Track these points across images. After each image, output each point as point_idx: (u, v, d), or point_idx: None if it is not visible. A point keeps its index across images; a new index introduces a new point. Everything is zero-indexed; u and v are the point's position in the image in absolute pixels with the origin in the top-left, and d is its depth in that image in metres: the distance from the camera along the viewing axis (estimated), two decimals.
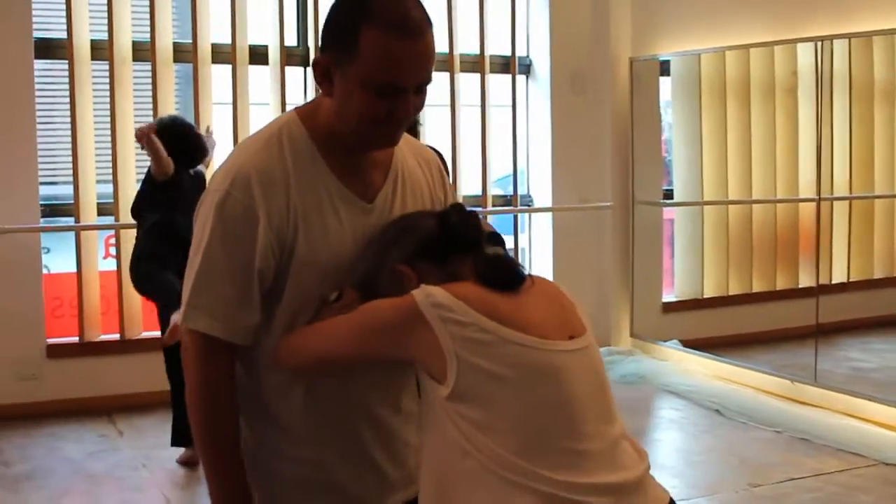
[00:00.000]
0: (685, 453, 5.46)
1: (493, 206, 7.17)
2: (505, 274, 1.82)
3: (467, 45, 6.99)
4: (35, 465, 5.14)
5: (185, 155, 5.12)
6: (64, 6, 5.95)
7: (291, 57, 6.50)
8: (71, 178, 6.06)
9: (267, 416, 1.95)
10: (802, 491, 4.68)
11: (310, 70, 1.86)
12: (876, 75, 6.27)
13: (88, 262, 6.14)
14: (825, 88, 6.10)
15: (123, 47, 6.11)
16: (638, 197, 7.27)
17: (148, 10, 6.12)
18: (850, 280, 6.52)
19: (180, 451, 5.11)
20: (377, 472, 1.98)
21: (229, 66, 6.33)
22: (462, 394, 1.71)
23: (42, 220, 6.07)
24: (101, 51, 6.08)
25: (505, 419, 1.71)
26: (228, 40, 6.32)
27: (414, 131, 3.54)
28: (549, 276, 7.04)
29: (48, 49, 6.14)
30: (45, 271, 6.40)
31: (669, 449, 5.60)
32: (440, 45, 6.87)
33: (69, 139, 6.05)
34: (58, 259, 6.41)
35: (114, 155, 6.07)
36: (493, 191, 7.34)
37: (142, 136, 4.93)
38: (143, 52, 6.18)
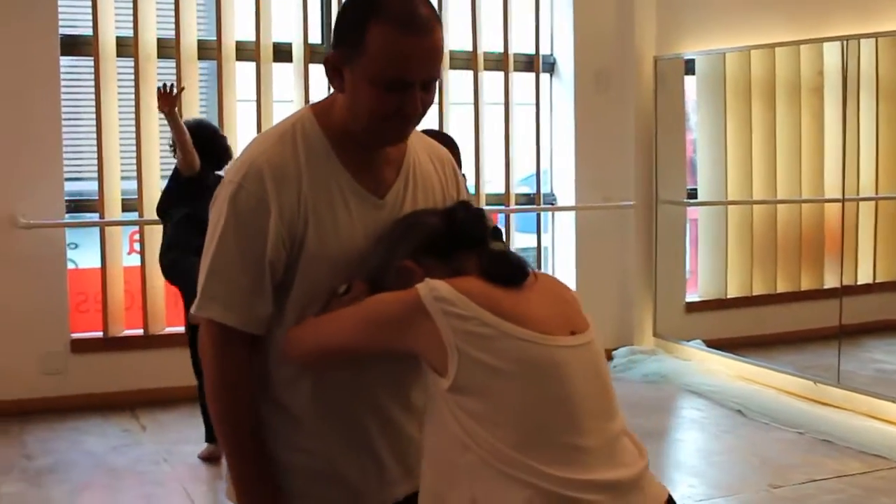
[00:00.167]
0: (706, 453, 5.44)
1: (516, 204, 7.16)
2: (508, 269, 1.84)
3: (491, 43, 6.99)
4: (58, 458, 5.18)
5: (212, 157, 5.15)
6: (90, 3, 5.99)
7: (315, 54, 6.52)
8: (96, 175, 6.10)
9: (277, 406, 1.98)
10: (824, 492, 4.65)
11: None
12: None
13: (113, 257, 6.19)
14: (851, 88, 6.05)
15: (148, 44, 6.15)
16: (661, 196, 7.24)
17: (173, 7, 6.15)
18: (876, 281, 6.47)
19: (202, 446, 5.14)
20: (379, 466, 2.01)
21: (253, 64, 6.36)
22: (462, 387, 1.73)
23: (67, 215, 6.11)
24: (126, 48, 6.12)
25: (504, 413, 1.72)
26: (252, 38, 6.35)
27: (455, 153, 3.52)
28: (572, 275, 7.12)
29: (74, 46, 6.18)
30: (72, 266, 6.47)
31: (690, 449, 5.59)
32: (464, 44, 6.90)
33: (94, 135, 6.09)
34: (86, 255, 6.45)
35: (138, 151, 6.11)
36: (517, 189, 7.34)
37: (162, 107, 4.93)
38: (168, 49, 6.22)
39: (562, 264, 7.38)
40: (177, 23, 6.17)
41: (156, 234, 5.86)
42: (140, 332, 6.21)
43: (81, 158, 6.71)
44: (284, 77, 6.53)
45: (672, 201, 7.29)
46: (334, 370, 1.94)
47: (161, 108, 5.00)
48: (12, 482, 4.83)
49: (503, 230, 7.02)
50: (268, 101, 6.38)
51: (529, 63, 7.16)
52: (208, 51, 6.34)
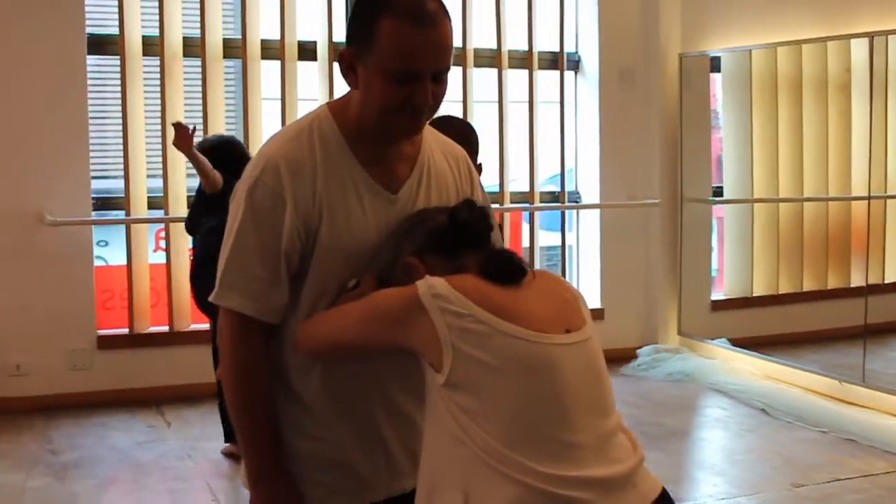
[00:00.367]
0: (729, 452, 5.41)
1: (541, 202, 7.16)
2: (505, 268, 1.87)
3: (516, 41, 6.99)
4: (83, 453, 5.23)
5: (237, 172, 5.16)
6: (116, 3, 6.04)
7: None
8: (122, 173, 6.15)
9: (290, 394, 2.03)
10: (847, 492, 4.63)
11: None
12: None
13: (139, 255, 6.24)
14: (879, 85, 6.01)
15: (174, 43, 6.19)
16: (686, 194, 7.21)
17: (198, 6, 6.20)
18: None
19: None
20: (388, 457, 2.05)
21: (278, 62, 6.39)
22: (456, 382, 1.76)
23: (94, 213, 6.17)
24: (152, 47, 6.17)
25: (496, 409, 1.74)
26: (277, 36, 6.38)
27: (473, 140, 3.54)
28: (597, 274, 7.11)
29: (101, 45, 6.24)
30: (102, 263, 6.55)
31: (714, 447, 5.56)
32: (488, 42, 6.89)
33: (120, 134, 6.14)
34: (116, 252, 6.51)
35: (164, 149, 6.15)
36: (542, 187, 7.34)
37: (180, 146, 4.96)
38: (194, 48, 6.26)
39: (586, 263, 7.37)
40: (202, 22, 6.21)
41: (181, 232, 5.91)
42: (165, 328, 6.26)
43: (108, 156, 6.77)
44: (309, 75, 6.56)
45: (697, 199, 7.26)
46: (345, 361, 1.99)
47: (179, 147, 5.00)
48: (38, 476, 4.89)
49: (523, 227, 7.07)
50: (292, 100, 6.41)
51: (554, 61, 7.15)
52: (233, 49, 6.38)
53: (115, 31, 6.11)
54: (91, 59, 6.17)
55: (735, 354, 6.83)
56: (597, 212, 7.27)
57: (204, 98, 6.23)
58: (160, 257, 6.41)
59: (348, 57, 1.95)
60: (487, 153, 6.98)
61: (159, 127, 6.15)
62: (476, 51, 6.87)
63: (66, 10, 5.95)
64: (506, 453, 1.72)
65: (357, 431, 2.02)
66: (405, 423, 2.04)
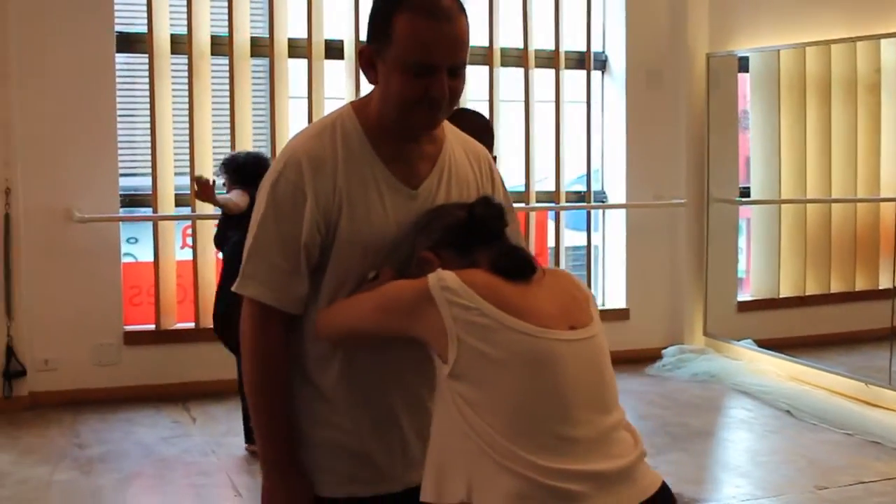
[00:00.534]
0: (753, 453, 5.39)
1: (567, 202, 7.15)
2: (515, 264, 1.92)
3: (542, 40, 6.98)
4: (109, 448, 5.28)
5: None
6: (145, 1, 6.09)
7: None
8: (150, 170, 6.20)
9: (309, 383, 2.08)
10: (871, 495, 4.59)
11: None
12: None
13: (166, 251, 6.28)
14: None
15: (202, 42, 6.24)
16: (713, 194, 7.18)
17: (226, 5, 6.23)
18: None
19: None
20: (405, 447, 2.09)
21: (305, 61, 6.42)
22: (460, 374, 1.81)
23: (121, 210, 6.23)
24: (180, 45, 6.22)
25: (497, 401, 1.79)
26: (305, 35, 6.41)
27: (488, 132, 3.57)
28: (622, 273, 7.10)
29: (129, 43, 6.30)
30: (132, 260, 6.60)
31: (738, 449, 5.54)
32: (515, 41, 6.89)
33: (148, 131, 6.20)
34: (145, 249, 6.55)
35: (191, 147, 6.20)
36: (570, 187, 7.34)
37: (204, 198, 5.14)
38: (222, 46, 6.30)
39: (612, 263, 7.36)
40: (230, 20, 6.25)
41: (208, 229, 5.95)
42: (191, 325, 6.31)
43: (136, 154, 6.82)
44: (336, 74, 6.58)
45: (724, 199, 7.23)
46: (363, 351, 2.04)
47: (202, 199, 5.18)
48: (64, 470, 4.94)
49: (549, 226, 7.06)
50: (319, 98, 6.44)
51: (581, 60, 7.14)
52: (261, 48, 6.42)
53: (144, 29, 6.16)
54: (120, 58, 6.23)
55: (760, 356, 6.79)
56: (623, 212, 7.26)
57: (231, 96, 6.27)
58: (187, 254, 6.45)
59: (368, 54, 2.01)
60: (513, 153, 7.00)
61: (187, 125, 6.20)
62: (503, 50, 6.87)
63: (95, 9, 6.01)
64: (506, 445, 1.76)
65: (374, 421, 2.07)
66: (423, 414, 2.06)
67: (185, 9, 6.16)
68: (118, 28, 6.16)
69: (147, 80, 6.17)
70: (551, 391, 1.80)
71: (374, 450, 2.07)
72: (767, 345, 6.84)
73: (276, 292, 2.00)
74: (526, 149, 6.90)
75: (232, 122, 6.28)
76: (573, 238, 7.59)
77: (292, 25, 6.46)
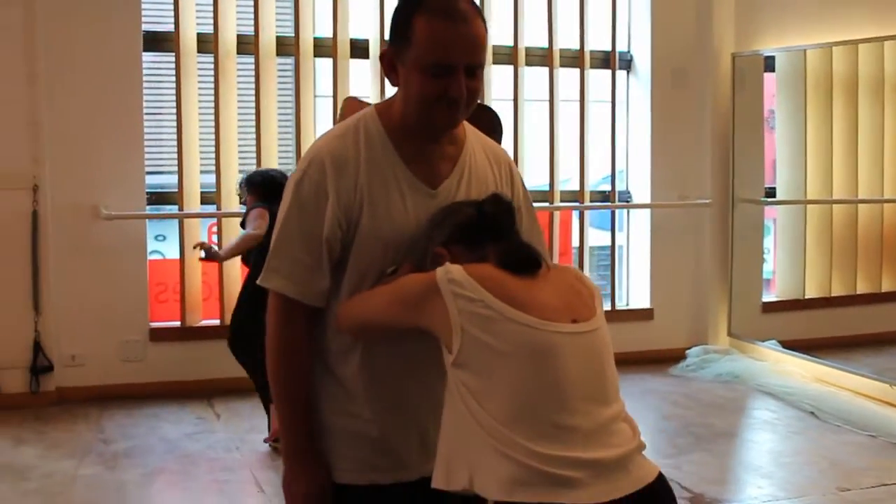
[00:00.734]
0: (776, 454, 5.37)
1: (591, 201, 7.15)
2: (520, 259, 1.99)
3: (567, 39, 6.98)
4: (134, 443, 5.33)
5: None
6: (172, 0, 6.14)
7: None
8: (176, 168, 6.25)
9: (330, 374, 2.16)
10: (893, 497, 4.57)
11: None
12: None
13: (191, 249, 6.32)
14: None
15: (228, 41, 6.28)
16: (739, 195, 7.16)
17: (252, 4, 6.27)
18: None
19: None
20: (422, 437, 2.14)
21: (330, 60, 6.45)
22: (463, 363, 1.90)
23: (148, 207, 6.28)
24: (206, 44, 6.26)
25: (497, 389, 1.86)
26: (330, 34, 6.44)
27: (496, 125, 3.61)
28: (647, 273, 7.09)
29: (156, 42, 6.35)
30: (159, 257, 6.65)
31: (760, 450, 5.52)
32: (539, 41, 6.90)
33: (175, 130, 6.25)
34: (172, 246, 6.60)
35: (217, 146, 6.25)
36: (596, 187, 7.33)
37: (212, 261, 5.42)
38: (247, 45, 6.34)
39: (636, 262, 7.35)
40: (256, 19, 6.29)
41: (234, 227, 5.99)
42: (217, 322, 6.35)
43: (162, 152, 6.87)
44: (361, 73, 6.61)
45: (749, 200, 7.20)
46: (381, 344, 2.11)
47: (212, 261, 5.46)
48: (89, 465, 4.99)
49: (573, 226, 7.06)
50: (344, 97, 6.45)
51: (606, 60, 7.14)
52: (286, 47, 6.45)
53: (171, 28, 6.21)
54: (147, 56, 6.28)
55: (785, 357, 6.77)
56: (647, 212, 7.25)
57: (257, 95, 6.31)
58: None
59: (389, 56, 2.09)
60: (538, 152, 7.00)
61: (213, 123, 6.24)
62: (527, 49, 6.88)
63: (123, 8, 6.06)
64: (503, 431, 1.83)
65: (393, 411, 2.14)
66: (439, 405, 2.09)
67: (211, 8, 6.21)
68: (145, 27, 6.22)
69: (174, 78, 6.22)
70: (551, 381, 1.87)
71: (393, 438, 2.14)
72: (792, 346, 6.81)
73: (298, 286, 2.08)
74: (550, 148, 6.90)
75: (257, 120, 6.32)
76: (598, 238, 7.58)
77: (318, 24, 6.49)
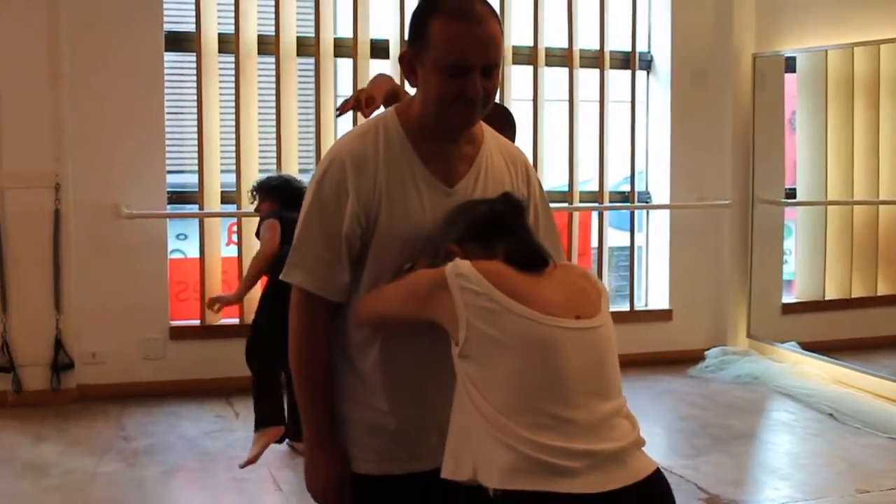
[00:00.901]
0: (794, 456, 5.35)
1: (610, 202, 7.14)
2: (526, 256, 2.06)
3: (587, 40, 6.98)
4: (154, 440, 5.37)
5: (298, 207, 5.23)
6: (193, 1, 6.18)
7: None
8: (196, 167, 6.29)
9: (350, 367, 2.23)
10: None
11: None
12: None
13: (211, 248, 6.37)
14: None
15: (249, 41, 6.31)
16: (759, 195, 7.14)
17: (273, 4, 6.30)
18: None
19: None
20: (439, 428, 2.15)
21: (351, 60, 6.47)
22: (468, 355, 1.97)
23: (168, 206, 6.32)
24: (227, 44, 6.30)
25: (499, 380, 1.93)
26: (351, 34, 6.46)
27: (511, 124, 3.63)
28: (666, 274, 7.08)
29: (178, 42, 6.39)
30: (180, 256, 6.69)
31: (779, 451, 5.51)
32: (559, 41, 6.90)
33: (196, 129, 6.28)
34: (193, 245, 6.64)
35: (237, 145, 6.28)
36: (616, 188, 7.32)
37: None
38: (268, 45, 6.37)
39: (656, 263, 7.34)
40: (277, 19, 6.32)
41: (253, 226, 6.00)
42: (236, 321, 6.38)
43: (183, 151, 6.92)
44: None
45: (769, 201, 7.18)
46: (398, 337, 2.18)
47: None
48: (109, 462, 5.03)
49: (592, 226, 7.06)
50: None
51: (626, 60, 7.13)
52: (307, 47, 6.48)
53: (192, 28, 6.25)
54: (168, 56, 6.31)
55: (804, 358, 6.74)
56: (667, 212, 7.24)
57: (277, 95, 6.35)
58: (233, 251, 6.53)
59: (408, 58, 2.16)
60: (557, 152, 7.00)
61: (233, 123, 6.27)
62: (548, 50, 6.88)
63: (144, 8, 6.10)
64: (505, 422, 1.90)
65: (411, 404, 2.21)
66: (453, 397, 2.14)
67: (232, 8, 6.24)
68: (167, 27, 6.25)
69: (195, 78, 6.26)
70: (551, 374, 1.93)
71: (409, 430, 2.21)
72: (812, 347, 6.79)
73: (319, 281, 2.15)
74: (570, 149, 6.90)
75: (278, 120, 6.35)
76: (617, 238, 7.58)
77: (338, 25, 6.51)
